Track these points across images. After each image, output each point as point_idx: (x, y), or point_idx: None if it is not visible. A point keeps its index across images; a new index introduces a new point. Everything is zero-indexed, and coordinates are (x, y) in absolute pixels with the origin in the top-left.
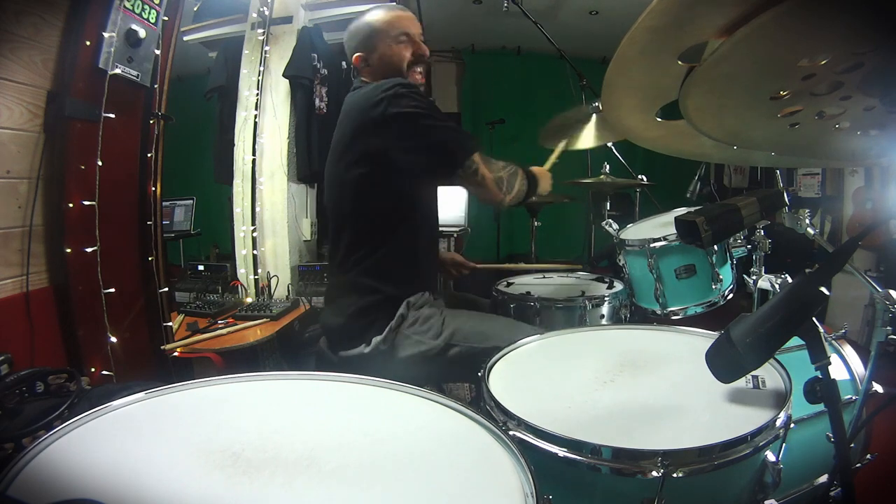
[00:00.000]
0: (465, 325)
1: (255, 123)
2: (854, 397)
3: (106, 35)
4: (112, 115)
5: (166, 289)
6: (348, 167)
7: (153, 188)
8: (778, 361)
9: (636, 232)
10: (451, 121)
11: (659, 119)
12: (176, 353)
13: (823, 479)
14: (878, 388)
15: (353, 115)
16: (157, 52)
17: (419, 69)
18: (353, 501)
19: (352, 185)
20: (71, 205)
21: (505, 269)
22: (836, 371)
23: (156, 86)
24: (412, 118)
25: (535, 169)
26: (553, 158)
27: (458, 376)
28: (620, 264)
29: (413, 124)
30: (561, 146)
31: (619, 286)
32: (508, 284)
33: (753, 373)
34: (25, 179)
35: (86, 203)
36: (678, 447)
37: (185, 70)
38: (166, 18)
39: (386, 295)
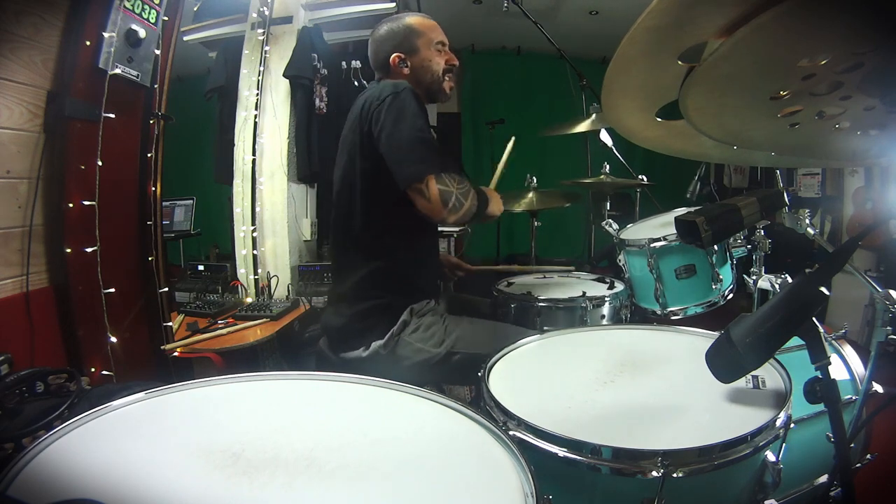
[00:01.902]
0: (467, 333)
1: (255, 123)
2: (854, 397)
3: (106, 35)
4: (112, 115)
5: (166, 289)
6: (350, 165)
7: (153, 188)
8: (778, 361)
9: (636, 232)
10: (430, 136)
11: (659, 119)
12: (176, 353)
13: (823, 479)
14: (878, 388)
15: (358, 108)
16: (157, 52)
17: (450, 77)
18: (353, 501)
19: (353, 185)
20: (71, 205)
21: (502, 271)
22: (836, 371)
23: (156, 86)
24: (389, 116)
25: (486, 189)
26: (498, 174)
27: (459, 380)
28: (620, 264)
29: (386, 121)
30: (508, 147)
31: (619, 286)
32: (509, 284)
33: (753, 373)
34: (25, 179)
35: (86, 203)
36: (678, 447)
37: (185, 70)
38: (166, 18)
39: (390, 300)
